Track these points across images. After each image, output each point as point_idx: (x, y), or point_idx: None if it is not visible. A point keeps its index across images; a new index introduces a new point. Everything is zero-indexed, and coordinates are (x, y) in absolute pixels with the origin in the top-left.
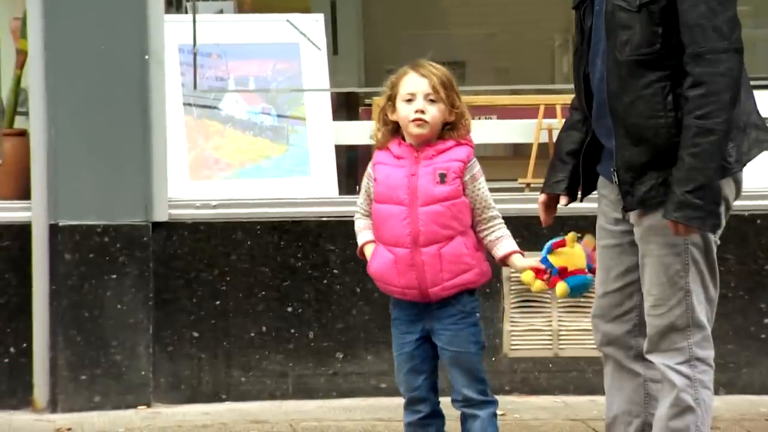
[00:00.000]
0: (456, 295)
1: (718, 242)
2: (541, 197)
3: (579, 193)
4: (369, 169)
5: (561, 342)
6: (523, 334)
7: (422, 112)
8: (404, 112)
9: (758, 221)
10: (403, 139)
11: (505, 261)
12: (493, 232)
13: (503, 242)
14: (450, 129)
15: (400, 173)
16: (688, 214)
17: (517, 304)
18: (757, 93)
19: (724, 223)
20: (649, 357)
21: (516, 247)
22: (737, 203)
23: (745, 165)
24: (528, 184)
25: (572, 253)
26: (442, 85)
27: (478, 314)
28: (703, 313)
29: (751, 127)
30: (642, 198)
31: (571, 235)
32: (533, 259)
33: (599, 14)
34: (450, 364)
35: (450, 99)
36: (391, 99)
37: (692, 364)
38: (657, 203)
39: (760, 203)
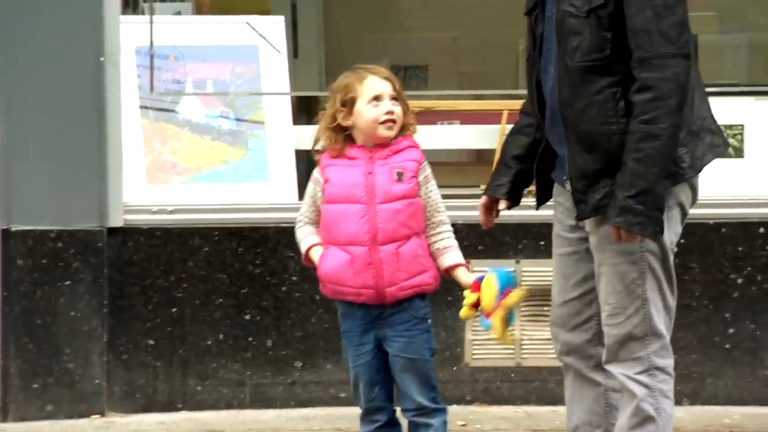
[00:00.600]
0: (409, 299)
1: (675, 249)
2: (482, 199)
3: (533, 201)
4: (316, 174)
5: (523, 351)
6: (485, 343)
7: (392, 112)
8: (372, 114)
9: (723, 230)
10: (353, 142)
11: (449, 272)
12: (441, 240)
13: (450, 252)
14: (401, 129)
15: (356, 172)
16: (630, 219)
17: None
18: (724, 99)
19: (679, 229)
20: (608, 367)
21: (462, 260)
22: (703, 211)
23: (699, 170)
24: None
25: (486, 295)
26: (400, 88)
27: (429, 320)
28: (661, 321)
29: (705, 132)
30: (595, 206)
31: (518, 294)
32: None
33: (550, 20)
34: (403, 372)
35: (404, 103)
36: (346, 105)
37: (651, 373)
38: None
39: (725, 211)
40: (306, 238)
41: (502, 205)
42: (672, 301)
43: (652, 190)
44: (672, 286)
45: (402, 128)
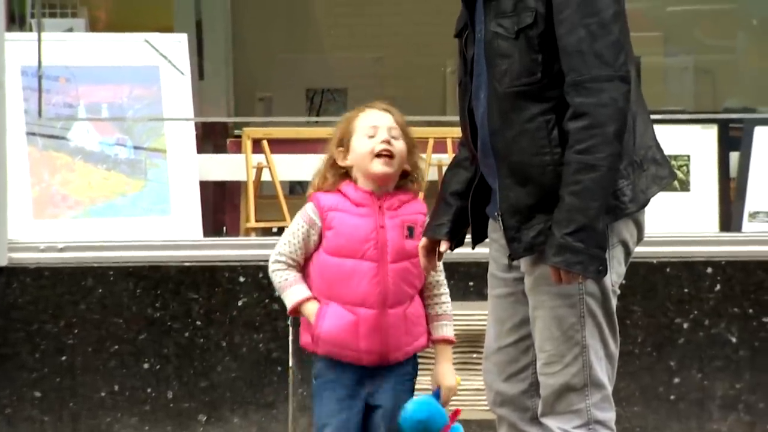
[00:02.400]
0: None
1: (618, 291)
2: (422, 241)
3: (468, 237)
4: (312, 214)
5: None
6: None
7: (389, 142)
8: (366, 147)
9: (668, 269)
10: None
11: (435, 342)
12: (440, 304)
13: (446, 324)
14: (404, 180)
15: (367, 224)
16: (569, 258)
17: None
18: (669, 127)
19: (622, 269)
20: (544, 420)
21: (450, 335)
22: (646, 249)
23: (644, 204)
24: None
25: None
26: (403, 122)
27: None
28: (602, 370)
29: (649, 162)
30: (530, 244)
31: None
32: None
33: (480, 42)
34: (390, 427)
35: (410, 142)
36: (343, 143)
37: (591, 427)
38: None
39: (669, 249)
40: (295, 287)
41: (444, 246)
42: (614, 349)
43: (591, 226)
44: (614, 332)
45: (407, 176)
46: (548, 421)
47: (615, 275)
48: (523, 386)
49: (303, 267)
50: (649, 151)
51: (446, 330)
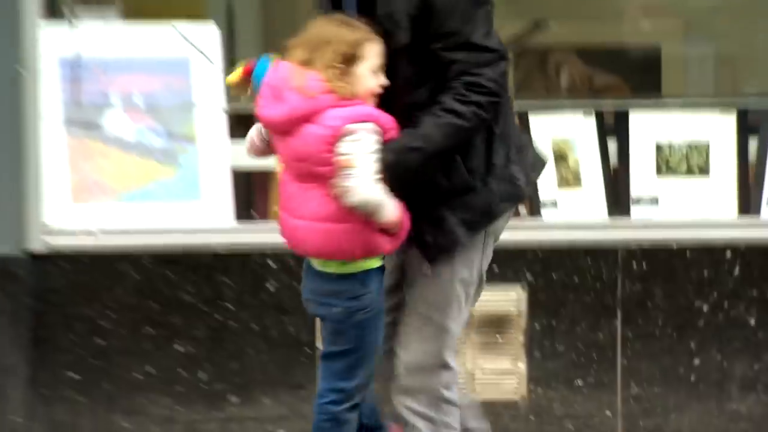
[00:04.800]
0: None
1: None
2: None
3: None
4: (372, 125)
5: (476, 385)
6: None
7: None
8: (372, 84)
9: (687, 254)
10: None
11: None
12: None
13: None
14: None
15: None
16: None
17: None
18: (688, 114)
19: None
20: (395, 397)
21: None
22: (666, 235)
23: (530, 185)
24: None
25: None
26: None
27: None
28: (453, 351)
29: (526, 148)
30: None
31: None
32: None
33: None
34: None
35: None
36: (347, 59)
37: (438, 406)
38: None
39: (689, 234)
40: (392, 201)
41: None
42: (458, 329)
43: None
44: (459, 315)
45: None
46: (399, 398)
47: (487, 262)
48: (386, 346)
49: None
50: (522, 138)
51: None
